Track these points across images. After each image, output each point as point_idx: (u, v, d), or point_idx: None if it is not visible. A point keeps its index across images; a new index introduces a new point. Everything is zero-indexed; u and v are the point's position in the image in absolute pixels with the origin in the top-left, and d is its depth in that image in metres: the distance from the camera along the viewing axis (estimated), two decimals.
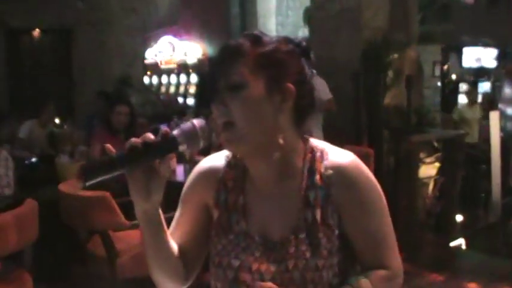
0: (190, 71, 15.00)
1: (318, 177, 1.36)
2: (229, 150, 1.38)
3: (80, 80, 8.46)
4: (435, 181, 6.13)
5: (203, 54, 14.61)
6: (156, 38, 15.05)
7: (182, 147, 1.23)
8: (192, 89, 14.91)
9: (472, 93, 9.45)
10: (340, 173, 1.36)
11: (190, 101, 14.56)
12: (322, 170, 1.37)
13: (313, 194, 1.35)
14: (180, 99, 14.43)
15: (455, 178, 6.14)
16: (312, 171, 1.37)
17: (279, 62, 1.32)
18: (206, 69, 14.64)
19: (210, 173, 1.46)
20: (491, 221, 6.32)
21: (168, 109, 10.67)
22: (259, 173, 1.39)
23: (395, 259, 1.43)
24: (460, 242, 5.82)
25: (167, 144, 1.22)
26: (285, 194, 1.38)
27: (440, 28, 9.03)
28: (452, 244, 5.76)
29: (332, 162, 1.37)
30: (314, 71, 1.40)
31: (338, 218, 1.35)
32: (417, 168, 5.76)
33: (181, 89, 15.28)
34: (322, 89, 5.13)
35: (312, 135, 1.47)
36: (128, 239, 3.64)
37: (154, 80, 15.27)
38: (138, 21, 8.78)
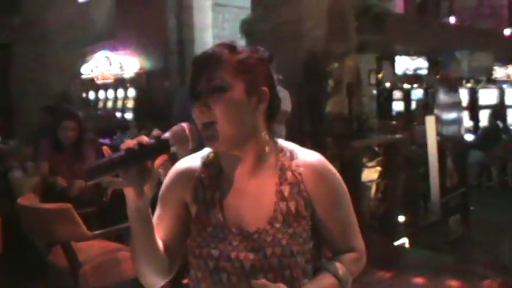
0: (128, 85, 14.94)
1: (290, 173, 1.52)
2: (211, 147, 1.50)
3: (19, 96, 8.31)
4: (377, 184, 6.39)
5: (140, 68, 14.57)
6: (92, 53, 14.93)
7: (173, 149, 1.34)
8: (130, 104, 14.85)
9: None
10: (310, 170, 1.52)
11: (129, 116, 14.49)
12: (294, 167, 1.52)
13: (287, 189, 1.50)
14: (118, 114, 14.34)
15: (396, 181, 6.42)
16: (284, 168, 1.53)
17: (254, 67, 1.47)
18: (144, 84, 14.62)
19: (187, 172, 1.58)
20: (432, 220, 6.63)
21: (108, 124, 10.59)
22: (234, 169, 1.53)
23: (360, 242, 1.64)
24: (404, 240, 6.08)
25: (160, 145, 1.33)
26: (258, 189, 1.51)
27: (374, 38, 9.32)
28: (397, 243, 6.02)
29: (302, 160, 1.54)
30: (280, 77, 1.55)
31: (311, 209, 1.52)
32: (361, 172, 6.00)
33: (119, 104, 15.20)
34: (284, 99, 5.16)
35: (280, 137, 1.62)
36: (87, 249, 3.70)
37: (91, 95, 15.16)
38: (76, 36, 8.69)
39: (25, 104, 8.01)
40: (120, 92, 15.17)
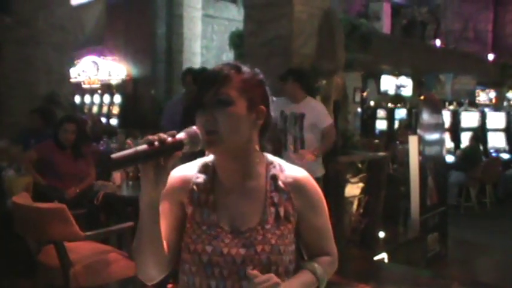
0: (114, 91, 14.99)
1: (280, 183, 1.70)
2: (210, 151, 1.68)
3: (7, 96, 8.31)
4: (359, 200, 6.52)
5: (127, 75, 14.63)
6: (80, 57, 14.96)
7: (186, 148, 1.50)
8: (116, 110, 14.90)
9: None
10: (297, 183, 1.72)
11: (114, 122, 14.53)
12: (283, 178, 1.71)
13: (277, 196, 1.69)
14: (103, 119, 14.36)
15: (378, 197, 6.56)
16: (275, 178, 1.71)
17: (255, 88, 1.66)
18: (130, 90, 14.67)
19: (185, 177, 1.75)
20: (411, 237, 6.78)
21: (93, 129, 10.61)
22: (228, 175, 1.70)
23: (334, 248, 1.84)
24: (383, 255, 6.22)
25: (176, 144, 1.48)
26: (248, 193, 1.69)
27: (360, 56, 9.46)
28: (376, 257, 6.16)
29: (290, 174, 1.73)
30: (274, 99, 1.74)
31: (297, 216, 1.70)
32: (344, 187, 6.12)
33: (105, 109, 15.23)
34: (322, 112, 5.56)
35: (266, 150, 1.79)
36: (78, 250, 3.78)
37: (77, 99, 15.15)
38: (66, 39, 8.73)
39: (13, 104, 8.02)
40: (106, 98, 15.22)
